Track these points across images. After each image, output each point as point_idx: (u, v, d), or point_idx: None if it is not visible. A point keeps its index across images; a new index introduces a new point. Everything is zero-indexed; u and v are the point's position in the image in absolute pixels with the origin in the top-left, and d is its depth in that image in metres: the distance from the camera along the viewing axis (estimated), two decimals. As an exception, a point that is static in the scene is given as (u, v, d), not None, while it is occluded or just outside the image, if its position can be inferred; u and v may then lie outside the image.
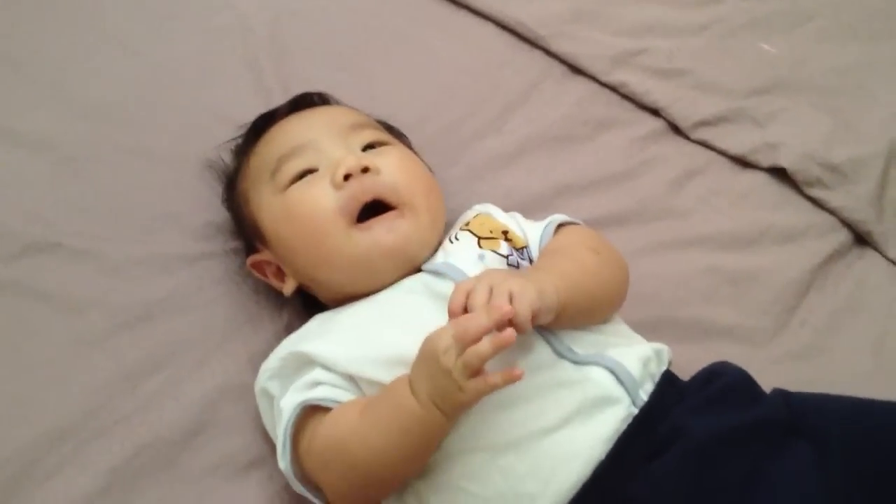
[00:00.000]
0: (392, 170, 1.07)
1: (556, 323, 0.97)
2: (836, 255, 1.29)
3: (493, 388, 0.88)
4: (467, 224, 1.11)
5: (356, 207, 1.04)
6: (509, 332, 0.86)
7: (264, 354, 1.07)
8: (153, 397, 1.07)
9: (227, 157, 1.23)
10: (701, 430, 0.94)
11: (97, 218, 1.19)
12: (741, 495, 0.91)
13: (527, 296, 0.90)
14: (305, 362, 1.01)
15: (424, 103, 1.36)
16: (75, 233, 1.17)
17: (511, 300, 0.89)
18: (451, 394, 0.88)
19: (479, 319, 0.87)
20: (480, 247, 1.06)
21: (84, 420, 1.04)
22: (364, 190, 1.04)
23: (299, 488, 0.99)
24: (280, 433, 0.98)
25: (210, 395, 1.08)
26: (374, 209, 1.05)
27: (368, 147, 1.10)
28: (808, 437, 0.96)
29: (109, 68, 1.32)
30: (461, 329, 0.86)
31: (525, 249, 1.08)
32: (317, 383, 0.99)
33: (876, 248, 1.31)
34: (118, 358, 1.09)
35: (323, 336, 1.03)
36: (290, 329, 1.12)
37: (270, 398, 1.03)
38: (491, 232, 1.09)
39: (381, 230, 1.04)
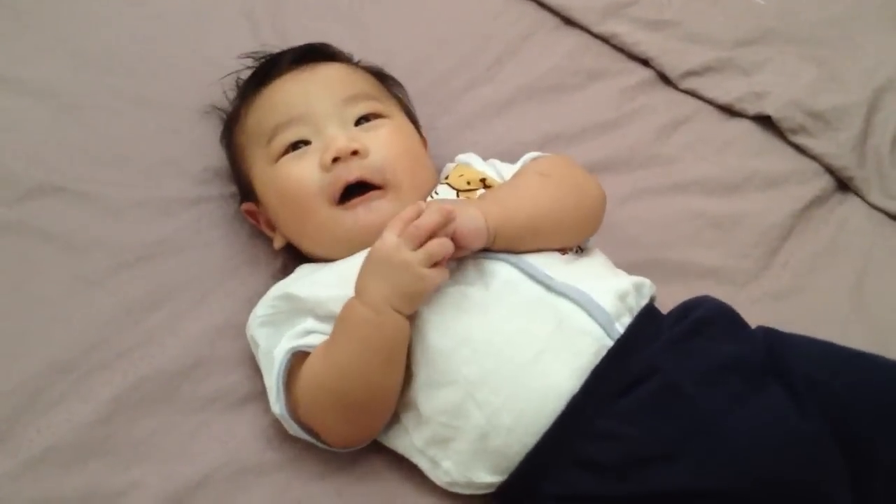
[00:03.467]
0: (381, 149, 1.09)
1: (505, 242, 1.01)
2: (818, 201, 1.32)
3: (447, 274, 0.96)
4: (447, 178, 1.14)
5: (339, 189, 1.07)
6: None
7: (261, 294, 1.10)
8: (153, 333, 1.10)
9: (230, 94, 1.25)
10: (673, 367, 0.96)
11: (99, 163, 1.22)
12: (711, 431, 0.92)
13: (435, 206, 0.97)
14: (297, 310, 1.04)
15: (418, 54, 1.39)
16: (78, 177, 1.20)
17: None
18: (411, 285, 0.95)
19: (409, 209, 0.97)
20: (458, 198, 1.10)
21: (86, 353, 1.07)
22: (350, 171, 1.07)
23: (297, 431, 1.02)
24: (274, 381, 1.02)
25: (208, 331, 1.11)
26: (361, 184, 1.08)
27: (363, 118, 1.12)
28: (784, 378, 0.97)
29: (110, 18, 1.35)
30: (400, 226, 0.96)
31: None
32: (308, 332, 1.03)
33: (857, 194, 1.33)
34: (119, 295, 1.12)
35: (311, 281, 1.07)
36: (285, 270, 1.15)
37: (258, 346, 1.06)
38: (469, 183, 1.12)
39: (363, 211, 1.07)
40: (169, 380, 1.07)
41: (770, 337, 1.02)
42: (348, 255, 1.06)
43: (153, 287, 1.13)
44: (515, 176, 1.12)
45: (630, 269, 1.11)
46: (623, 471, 0.93)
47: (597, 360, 0.96)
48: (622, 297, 1.01)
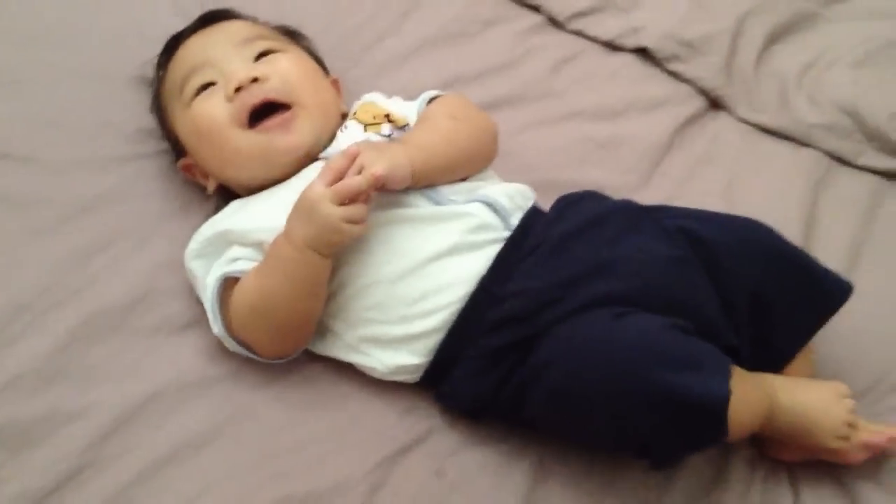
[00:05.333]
0: (281, 73, 1.20)
1: (425, 182, 1.14)
2: (693, 119, 1.46)
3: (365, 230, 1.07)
4: (354, 114, 1.26)
5: (246, 112, 1.17)
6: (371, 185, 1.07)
7: (196, 235, 1.21)
8: (100, 273, 1.20)
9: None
10: (562, 226, 1.12)
11: (40, 130, 1.32)
12: (602, 260, 1.08)
13: (376, 164, 1.07)
14: (224, 241, 1.16)
15: (329, 10, 1.52)
16: (20, 144, 1.29)
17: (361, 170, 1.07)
18: (330, 235, 1.06)
19: (340, 158, 1.07)
20: (365, 132, 1.22)
21: (40, 295, 1.17)
22: (253, 95, 1.18)
23: (235, 347, 1.14)
24: (208, 305, 1.14)
25: (150, 269, 1.22)
26: (270, 109, 1.19)
27: (262, 55, 1.23)
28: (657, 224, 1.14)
29: (42, -1, 1.45)
30: (330, 177, 1.06)
31: (406, 127, 1.23)
32: (235, 259, 1.15)
33: (727, 110, 1.48)
34: (67, 243, 1.22)
35: (237, 215, 1.19)
36: (217, 212, 1.25)
37: (195, 277, 1.18)
38: (374, 118, 1.24)
39: (278, 131, 1.18)
40: (118, 312, 1.18)
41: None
42: (269, 177, 1.19)
43: (97, 234, 1.24)
44: (428, 120, 1.23)
45: (529, 189, 1.24)
46: (537, 312, 1.07)
47: (499, 247, 1.11)
48: (511, 198, 1.16)
